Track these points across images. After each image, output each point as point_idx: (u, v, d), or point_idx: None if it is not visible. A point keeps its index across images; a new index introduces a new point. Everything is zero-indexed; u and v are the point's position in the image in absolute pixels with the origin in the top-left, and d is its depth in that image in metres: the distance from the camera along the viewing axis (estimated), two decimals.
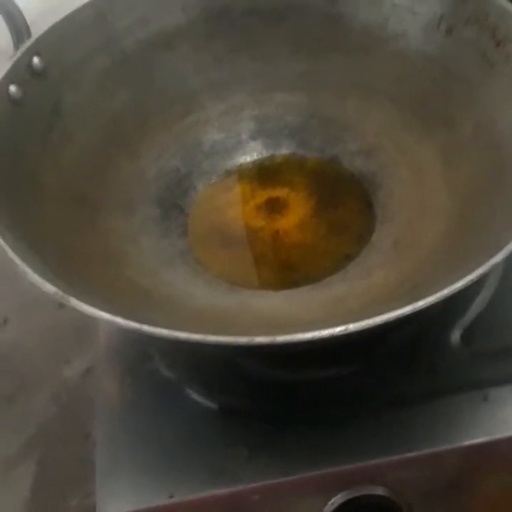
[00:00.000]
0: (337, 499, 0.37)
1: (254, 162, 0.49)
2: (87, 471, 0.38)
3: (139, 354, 0.42)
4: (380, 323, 0.30)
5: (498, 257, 0.32)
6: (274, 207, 0.47)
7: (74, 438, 0.50)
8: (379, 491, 0.37)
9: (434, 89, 0.46)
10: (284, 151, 0.50)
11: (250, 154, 0.50)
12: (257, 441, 0.37)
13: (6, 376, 0.58)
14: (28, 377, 0.58)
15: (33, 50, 0.43)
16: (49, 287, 0.31)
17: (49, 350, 0.58)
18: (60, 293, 0.31)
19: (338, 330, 0.30)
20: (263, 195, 0.48)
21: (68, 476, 0.51)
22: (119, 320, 0.31)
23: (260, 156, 0.50)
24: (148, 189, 0.46)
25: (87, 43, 0.46)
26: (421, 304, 0.31)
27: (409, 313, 0.31)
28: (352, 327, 0.30)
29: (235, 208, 0.47)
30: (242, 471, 0.36)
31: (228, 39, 0.50)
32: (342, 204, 0.47)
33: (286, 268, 0.45)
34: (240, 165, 0.49)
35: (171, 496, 0.36)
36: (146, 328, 0.30)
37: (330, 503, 0.37)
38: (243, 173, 0.49)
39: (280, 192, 0.48)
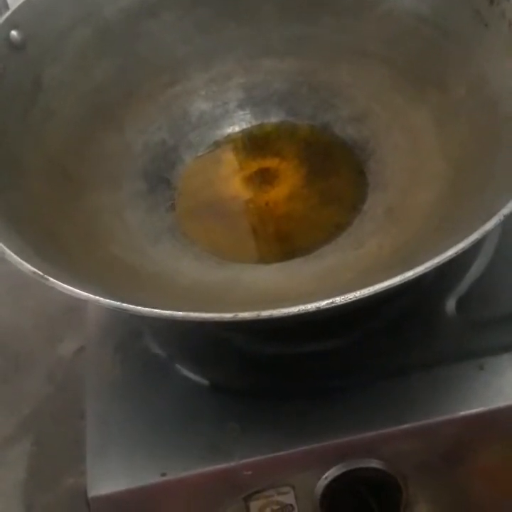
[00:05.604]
0: (331, 473, 0.36)
1: (243, 132, 0.48)
2: (83, 450, 0.38)
3: (128, 331, 0.41)
4: (367, 295, 0.30)
5: (490, 224, 0.31)
6: (264, 178, 0.46)
7: (69, 417, 0.51)
8: (374, 463, 0.37)
9: (427, 50, 0.45)
10: (273, 119, 0.48)
11: (239, 124, 0.48)
12: (250, 416, 0.37)
13: (0, 356, 0.58)
14: (22, 356, 0.58)
15: (11, 23, 0.42)
16: (27, 267, 0.31)
17: (42, 329, 0.58)
18: (39, 272, 0.31)
19: (324, 303, 0.29)
20: (253, 165, 0.47)
21: (64, 455, 0.51)
22: (100, 299, 0.30)
23: (249, 126, 0.48)
24: (134, 163, 0.45)
25: (67, 13, 0.45)
26: (410, 274, 0.30)
27: (398, 284, 0.30)
28: (338, 300, 0.30)
29: (224, 180, 0.46)
30: (234, 446, 0.36)
31: (214, 5, 0.49)
32: (334, 173, 0.46)
33: (277, 240, 0.44)
34: (229, 135, 0.48)
35: (163, 474, 0.36)
36: (126, 306, 0.30)
37: (324, 477, 0.37)
38: (232, 144, 0.48)
39: (270, 162, 0.47)
